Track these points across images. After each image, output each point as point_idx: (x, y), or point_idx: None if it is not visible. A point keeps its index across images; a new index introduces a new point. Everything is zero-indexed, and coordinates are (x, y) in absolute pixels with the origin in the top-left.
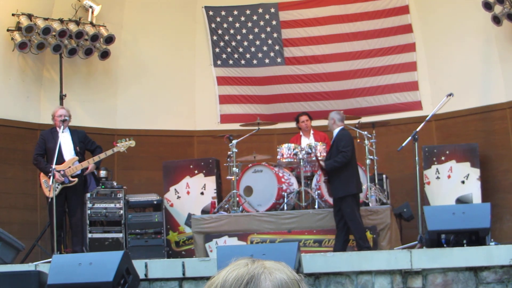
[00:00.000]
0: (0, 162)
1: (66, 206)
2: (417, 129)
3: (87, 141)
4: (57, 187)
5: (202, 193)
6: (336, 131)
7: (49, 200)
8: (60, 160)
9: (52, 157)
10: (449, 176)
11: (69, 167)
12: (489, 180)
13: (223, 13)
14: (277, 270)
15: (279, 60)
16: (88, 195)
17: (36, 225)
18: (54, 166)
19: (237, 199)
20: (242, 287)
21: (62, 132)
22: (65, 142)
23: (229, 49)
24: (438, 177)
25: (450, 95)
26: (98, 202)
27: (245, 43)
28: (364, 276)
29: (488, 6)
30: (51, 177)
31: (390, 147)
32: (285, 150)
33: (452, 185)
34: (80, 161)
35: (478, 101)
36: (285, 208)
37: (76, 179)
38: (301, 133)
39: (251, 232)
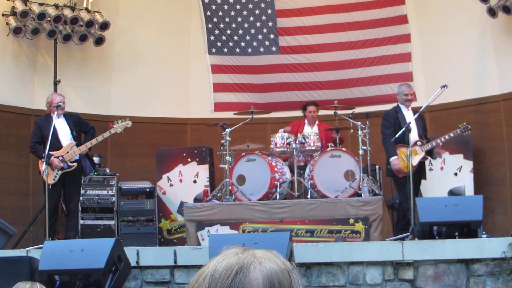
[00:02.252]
0: None
1: (63, 192)
2: (411, 121)
3: (82, 123)
4: (56, 174)
5: (194, 181)
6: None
7: (49, 186)
8: (58, 146)
9: (55, 142)
10: (442, 168)
11: (67, 152)
12: (482, 172)
13: (218, 1)
14: (267, 260)
15: (274, 49)
16: (82, 181)
17: (28, 211)
18: (47, 152)
19: (230, 187)
20: (231, 277)
21: (58, 117)
22: (62, 128)
23: (224, 37)
24: (431, 169)
25: (444, 86)
26: (91, 188)
27: (240, 32)
28: (356, 267)
29: None
30: (45, 164)
31: None
32: (279, 139)
33: (445, 177)
34: (77, 145)
35: (472, 93)
36: (278, 197)
37: (75, 164)
38: (305, 121)
39: (243, 221)
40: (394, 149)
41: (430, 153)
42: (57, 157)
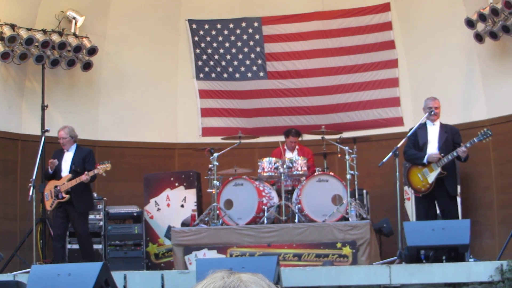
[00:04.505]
0: None
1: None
2: (398, 145)
3: (86, 161)
4: (53, 202)
5: (182, 206)
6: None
7: (48, 212)
8: (59, 176)
9: (58, 173)
10: None
11: (64, 183)
12: (469, 196)
13: (206, 26)
14: (254, 283)
15: (261, 74)
16: None
17: (15, 235)
18: (33, 180)
19: (217, 212)
20: None
21: (67, 151)
22: (66, 160)
23: (211, 62)
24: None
25: (431, 111)
26: None
27: (228, 57)
28: None
29: (470, 24)
30: (32, 188)
31: (371, 163)
32: (266, 164)
33: None
34: (72, 179)
35: (460, 118)
36: (265, 221)
37: (67, 196)
38: (285, 147)
39: (230, 245)
40: (418, 153)
41: (459, 159)
42: (56, 186)
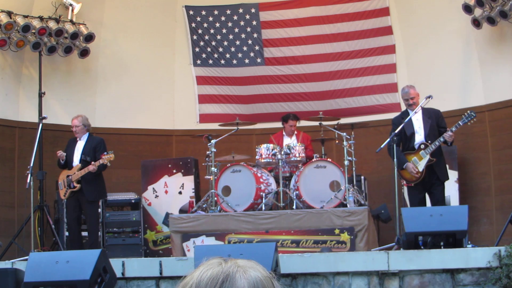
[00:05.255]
0: None
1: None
2: (396, 131)
3: (97, 149)
4: (66, 191)
5: (180, 193)
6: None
7: (63, 201)
8: (71, 165)
9: (70, 162)
10: None
11: (74, 173)
12: (467, 182)
13: (203, 12)
14: (251, 268)
15: (259, 60)
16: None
17: (13, 223)
18: (30, 167)
19: (215, 198)
20: (217, 287)
21: (79, 140)
22: (78, 149)
23: (209, 49)
24: None
25: (429, 97)
26: None
27: (225, 43)
28: (341, 277)
29: (468, 9)
30: (29, 176)
31: (369, 149)
32: (264, 150)
33: None
34: (81, 168)
35: (457, 104)
36: (263, 208)
37: (79, 185)
38: (284, 133)
39: (228, 232)
40: (401, 157)
41: (445, 143)
42: (68, 176)
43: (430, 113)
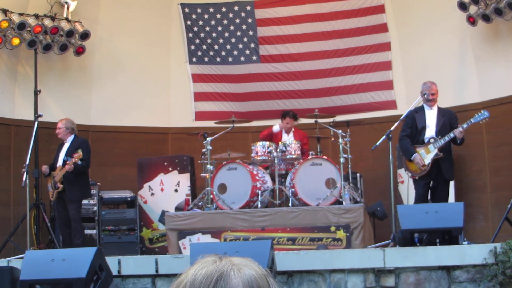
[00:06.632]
0: None
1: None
2: (392, 128)
3: (80, 149)
4: (53, 193)
5: (176, 190)
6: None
7: (52, 202)
8: (56, 166)
9: (56, 164)
10: None
11: (57, 174)
12: (462, 179)
13: (198, 10)
14: (246, 266)
15: (254, 58)
16: None
17: (9, 221)
18: (26, 165)
19: (211, 196)
20: (212, 285)
21: (66, 142)
22: (63, 151)
23: (204, 47)
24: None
25: (424, 94)
26: None
27: (221, 41)
28: (337, 274)
29: (463, 7)
30: (25, 174)
31: (364, 146)
32: (260, 148)
33: None
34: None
35: (453, 101)
36: (259, 206)
37: (61, 186)
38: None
39: (224, 229)
40: (410, 148)
41: (454, 141)
42: (53, 177)
43: (445, 112)
